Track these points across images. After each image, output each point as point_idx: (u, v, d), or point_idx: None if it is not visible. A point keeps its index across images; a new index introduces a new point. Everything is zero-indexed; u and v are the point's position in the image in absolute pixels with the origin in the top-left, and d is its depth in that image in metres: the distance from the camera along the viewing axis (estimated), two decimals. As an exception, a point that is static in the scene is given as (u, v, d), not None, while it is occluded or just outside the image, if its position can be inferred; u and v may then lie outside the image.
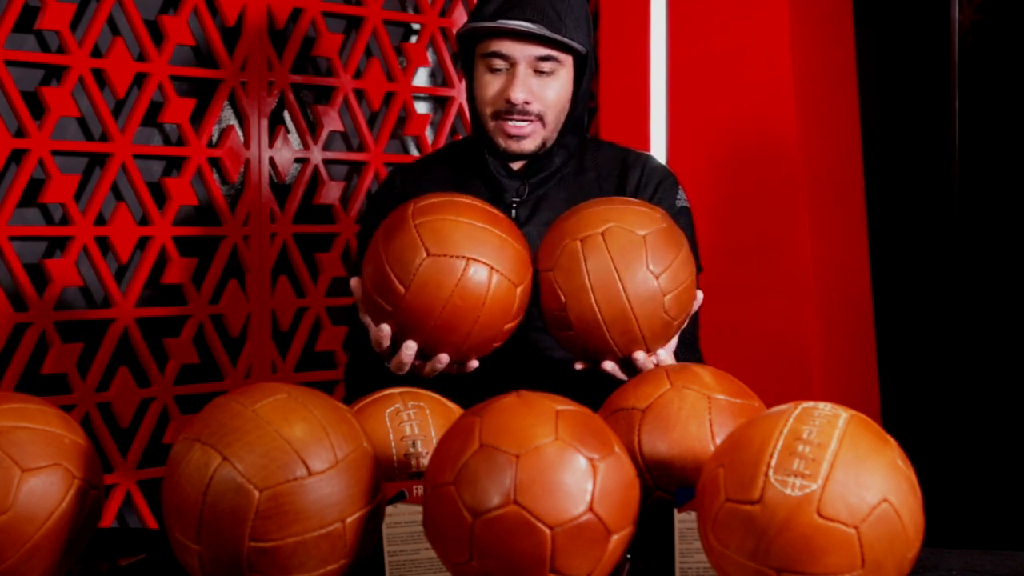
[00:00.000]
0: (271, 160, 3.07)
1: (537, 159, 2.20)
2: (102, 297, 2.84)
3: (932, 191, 3.86)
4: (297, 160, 3.14)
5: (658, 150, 3.43)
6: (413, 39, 3.39)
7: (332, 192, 3.19)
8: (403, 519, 1.57)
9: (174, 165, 2.95)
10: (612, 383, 1.88)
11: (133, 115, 2.84)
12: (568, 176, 2.24)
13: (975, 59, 3.80)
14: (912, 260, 3.87)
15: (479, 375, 1.94)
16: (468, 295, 1.81)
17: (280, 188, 3.12)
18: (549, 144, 2.19)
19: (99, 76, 2.80)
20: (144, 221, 2.88)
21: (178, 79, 2.94)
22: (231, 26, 3.00)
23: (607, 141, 2.35)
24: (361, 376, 2.14)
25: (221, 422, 1.47)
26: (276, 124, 3.09)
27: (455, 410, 1.74)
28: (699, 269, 2.05)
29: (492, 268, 1.82)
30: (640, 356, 1.87)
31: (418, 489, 1.56)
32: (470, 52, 2.19)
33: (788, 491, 1.36)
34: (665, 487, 1.63)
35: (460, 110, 3.45)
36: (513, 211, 2.20)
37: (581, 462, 1.41)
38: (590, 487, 1.40)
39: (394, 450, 1.66)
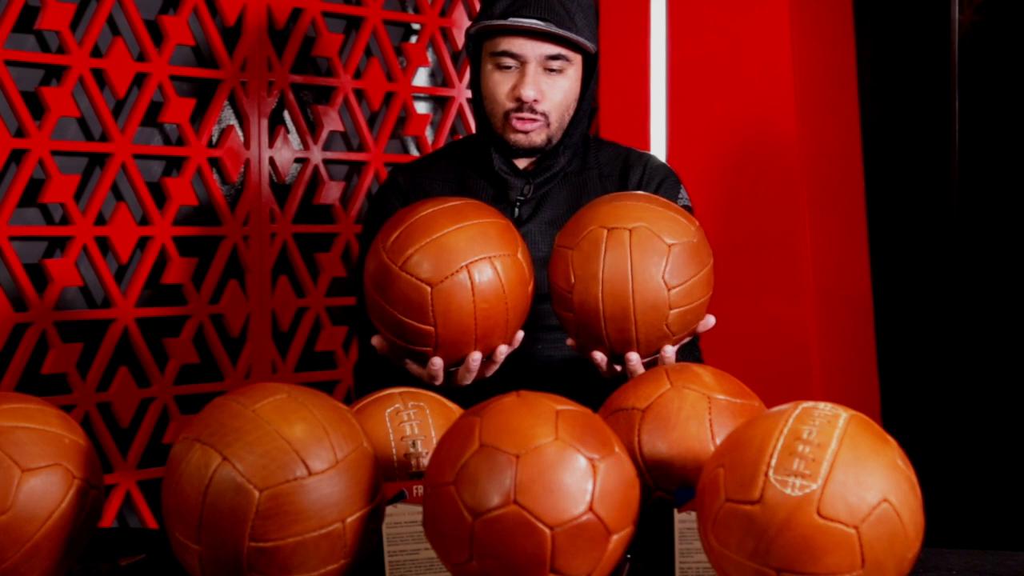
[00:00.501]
0: (271, 160, 3.07)
1: (543, 158, 2.20)
2: (102, 297, 2.84)
3: (932, 191, 3.86)
4: (297, 160, 3.14)
5: (658, 150, 3.43)
6: (413, 39, 3.39)
7: (332, 192, 3.19)
8: (403, 519, 1.57)
9: (174, 165, 2.95)
10: (612, 383, 1.88)
11: (133, 115, 2.84)
12: (571, 175, 2.24)
13: (975, 59, 3.80)
14: (912, 260, 3.87)
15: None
16: (489, 295, 1.82)
17: (280, 188, 3.12)
18: (554, 142, 2.19)
19: (99, 76, 2.80)
20: (144, 221, 2.88)
21: (178, 79, 2.94)
22: (231, 26, 3.00)
23: (609, 140, 2.35)
24: (371, 375, 2.14)
25: (221, 422, 1.47)
26: (276, 124, 3.09)
27: (455, 410, 1.74)
28: None
29: (490, 258, 1.83)
30: (633, 357, 1.87)
31: (418, 489, 1.56)
32: (478, 50, 2.20)
33: (788, 491, 1.36)
34: (665, 487, 1.63)
35: (460, 110, 3.45)
36: (516, 209, 2.20)
37: (581, 462, 1.41)
38: (590, 487, 1.40)
39: (394, 450, 1.66)
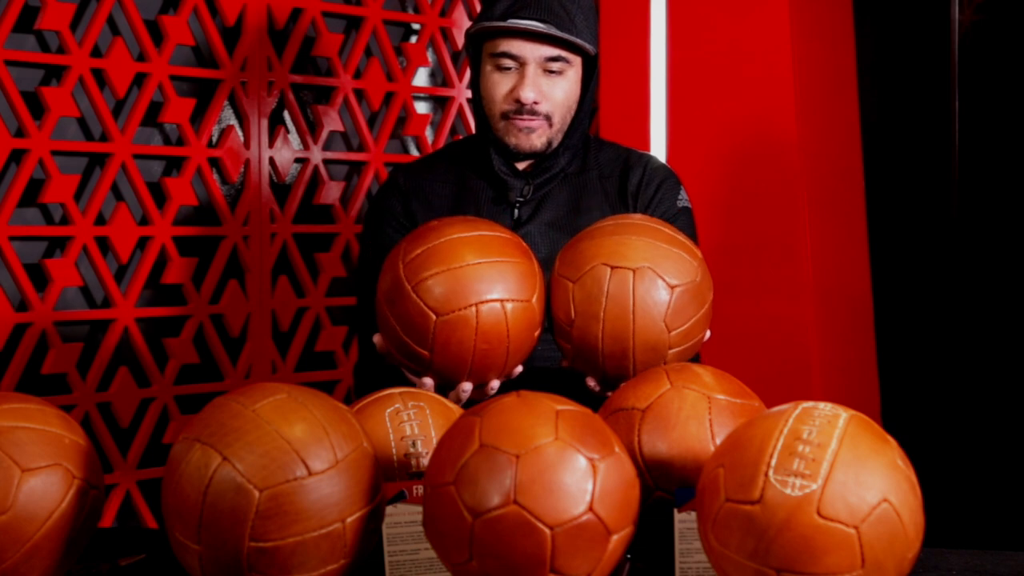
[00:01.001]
0: (271, 160, 3.07)
1: (543, 159, 2.20)
2: (102, 297, 2.84)
3: (932, 191, 3.86)
4: (297, 160, 3.14)
5: (658, 150, 3.43)
6: (413, 39, 3.39)
7: (332, 192, 3.19)
8: (403, 519, 1.57)
9: (174, 165, 2.95)
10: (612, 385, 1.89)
11: (133, 115, 2.84)
12: (571, 175, 2.24)
13: (975, 59, 3.80)
14: (912, 260, 3.87)
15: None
16: (492, 338, 1.81)
17: (280, 188, 3.12)
18: (555, 144, 2.19)
19: (99, 76, 2.80)
20: (144, 221, 2.88)
21: (178, 79, 2.94)
22: (231, 26, 3.00)
23: (609, 141, 2.35)
24: (371, 376, 2.14)
25: (221, 422, 1.47)
26: (276, 124, 3.09)
27: (455, 410, 1.74)
28: None
29: (502, 300, 1.81)
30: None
31: (418, 489, 1.56)
32: (478, 51, 2.19)
33: (788, 491, 1.36)
34: (665, 487, 1.62)
35: (460, 110, 3.45)
36: (516, 210, 2.20)
37: (581, 462, 1.41)
38: (590, 487, 1.40)
39: (394, 450, 1.66)
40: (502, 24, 2.11)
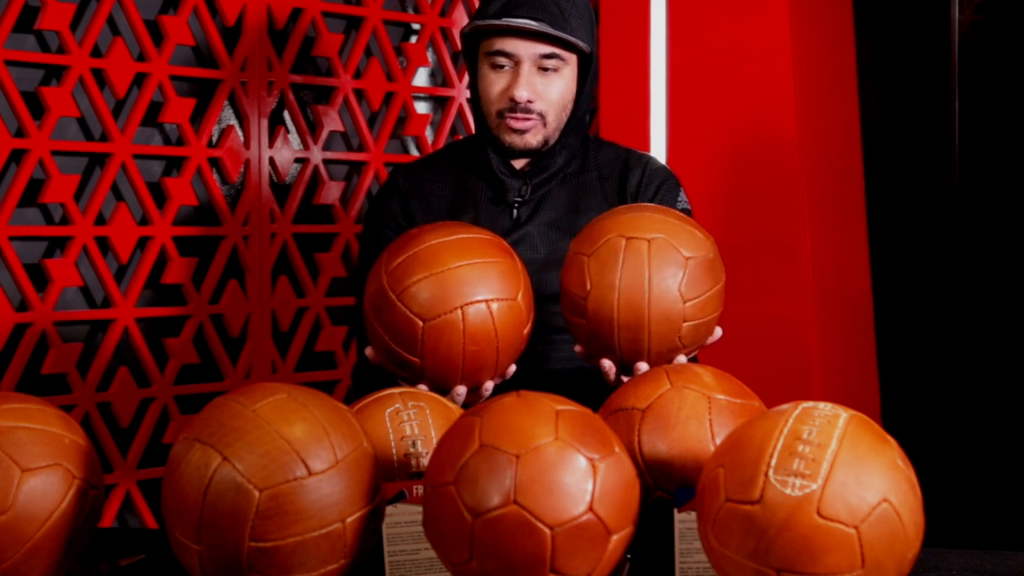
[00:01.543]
0: (271, 160, 3.07)
1: (540, 158, 2.20)
2: (102, 297, 2.84)
3: (932, 191, 3.86)
4: (297, 160, 3.14)
5: (658, 150, 3.43)
6: (413, 39, 3.39)
7: (332, 192, 3.19)
8: (403, 519, 1.57)
9: (174, 165, 2.95)
10: (611, 385, 1.89)
11: (133, 115, 2.84)
12: (570, 176, 2.24)
13: (975, 59, 3.80)
14: (912, 260, 3.87)
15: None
16: (480, 339, 1.82)
17: (280, 188, 3.12)
18: (551, 143, 2.19)
19: (99, 76, 2.80)
20: (144, 221, 2.88)
21: (178, 79, 2.94)
22: (231, 26, 3.00)
23: (609, 141, 2.35)
24: (369, 378, 2.14)
25: (221, 422, 1.47)
26: (276, 124, 3.09)
27: (455, 410, 1.74)
28: None
29: (487, 301, 1.82)
30: (643, 367, 1.86)
31: (418, 489, 1.56)
32: (474, 50, 2.20)
33: (788, 491, 1.36)
34: (665, 487, 1.63)
35: (460, 110, 3.45)
36: (515, 210, 2.20)
37: (581, 462, 1.41)
38: (590, 487, 1.40)
39: (394, 450, 1.66)
40: (496, 22, 2.12)
